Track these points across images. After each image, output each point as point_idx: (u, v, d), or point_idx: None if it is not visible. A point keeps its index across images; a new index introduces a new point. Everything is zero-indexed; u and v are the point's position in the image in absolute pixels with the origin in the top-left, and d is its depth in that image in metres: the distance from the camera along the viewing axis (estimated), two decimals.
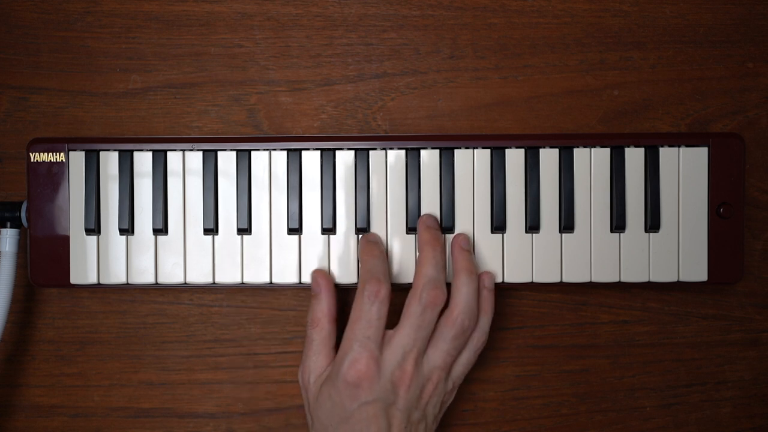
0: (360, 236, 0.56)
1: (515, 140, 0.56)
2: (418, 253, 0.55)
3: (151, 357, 0.60)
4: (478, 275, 0.55)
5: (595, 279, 0.56)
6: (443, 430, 0.60)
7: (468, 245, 0.56)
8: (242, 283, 0.56)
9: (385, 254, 0.55)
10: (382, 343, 0.52)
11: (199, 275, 0.56)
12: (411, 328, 0.52)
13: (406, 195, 0.56)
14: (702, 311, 0.61)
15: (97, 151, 0.56)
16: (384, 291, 0.52)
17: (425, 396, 0.53)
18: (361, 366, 0.51)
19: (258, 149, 0.57)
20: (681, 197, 0.56)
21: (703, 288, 0.61)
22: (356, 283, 0.56)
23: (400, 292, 0.56)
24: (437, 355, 0.53)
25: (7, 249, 0.56)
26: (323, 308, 0.55)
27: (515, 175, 0.56)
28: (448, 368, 0.53)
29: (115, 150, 0.56)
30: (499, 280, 0.56)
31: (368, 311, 0.52)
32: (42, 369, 0.60)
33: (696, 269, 0.56)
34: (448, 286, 0.54)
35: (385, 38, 0.60)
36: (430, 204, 0.56)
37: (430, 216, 0.56)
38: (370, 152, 0.56)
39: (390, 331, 0.53)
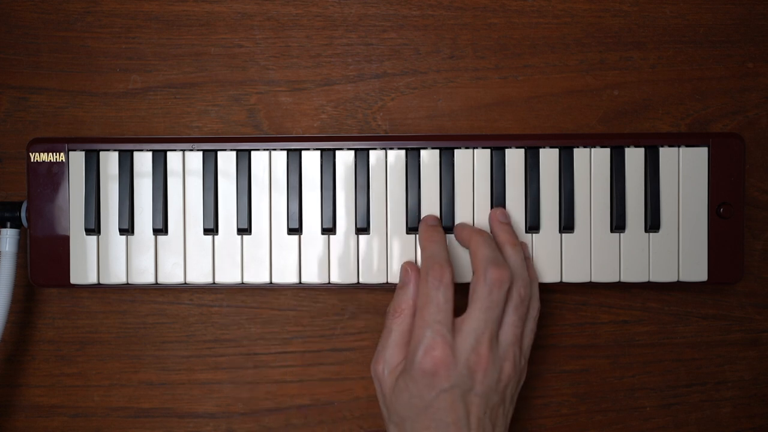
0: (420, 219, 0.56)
1: (515, 140, 0.56)
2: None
3: (151, 357, 0.60)
4: (520, 246, 0.54)
5: (595, 279, 0.56)
6: None
7: (505, 218, 0.55)
8: (242, 283, 0.56)
9: (445, 238, 0.55)
10: (453, 329, 0.51)
11: (199, 275, 0.56)
12: (480, 310, 0.51)
13: (406, 195, 0.56)
14: (702, 311, 0.61)
15: (97, 151, 0.56)
16: (448, 275, 0.51)
17: (504, 378, 0.51)
18: (436, 353, 0.50)
19: (258, 149, 0.57)
20: (681, 197, 0.56)
21: (703, 288, 0.61)
22: (357, 284, 0.56)
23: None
24: (507, 330, 0.52)
25: (7, 249, 0.56)
26: (409, 299, 0.53)
27: (515, 175, 0.56)
28: (519, 342, 0.52)
29: (115, 150, 0.56)
30: None
31: (435, 296, 0.51)
32: (42, 369, 0.60)
33: (696, 269, 0.56)
34: None
35: (385, 38, 0.60)
36: (430, 204, 0.56)
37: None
38: (370, 152, 0.56)
39: (459, 318, 0.51)
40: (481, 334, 0.50)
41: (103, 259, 0.56)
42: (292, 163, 0.56)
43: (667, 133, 0.58)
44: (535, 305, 0.54)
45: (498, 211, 0.56)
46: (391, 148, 0.56)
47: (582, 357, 0.61)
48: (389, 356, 0.53)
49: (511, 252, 0.54)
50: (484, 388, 0.50)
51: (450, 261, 0.52)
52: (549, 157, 0.56)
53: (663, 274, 0.56)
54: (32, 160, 0.56)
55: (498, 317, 0.51)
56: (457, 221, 0.56)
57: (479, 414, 0.50)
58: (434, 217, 0.56)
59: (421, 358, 0.50)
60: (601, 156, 0.56)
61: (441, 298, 0.51)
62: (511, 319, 0.52)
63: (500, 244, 0.54)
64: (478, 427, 0.50)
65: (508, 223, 0.55)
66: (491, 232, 0.55)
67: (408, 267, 0.54)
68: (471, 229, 0.55)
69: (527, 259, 0.55)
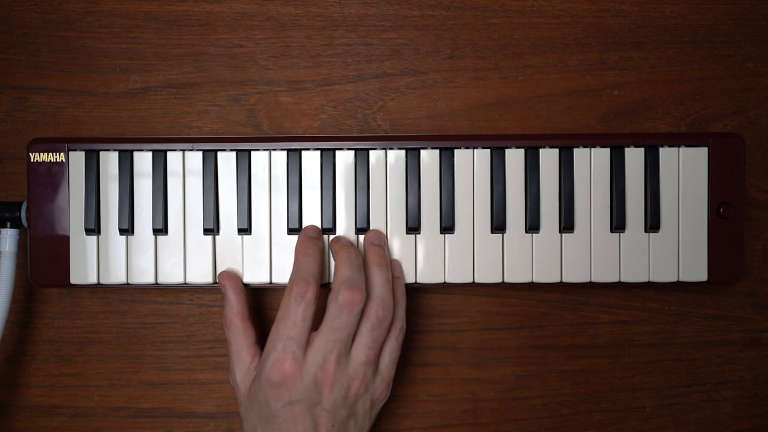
0: (301, 232, 0.56)
1: (515, 140, 0.56)
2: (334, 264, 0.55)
3: (151, 357, 0.60)
4: (389, 267, 0.55)
5: (595, 279, 0.56)
6: (445, 429, 0.60)
7: (379, 240, 0.56)
8: (242, 283, 0.56)
9: (322, 251, 0.55)
10: (306, 345, 0.52)
11: (199, 275, 0.56)
12: (329, 330, 0.52)
13: (406, 195, 0.56)
14: (702, 311, 0.61)
15: (97, 151, 0.56)
16: (311, 292, 0.52)
17: (352, 394, 0.52)
18: (283, 367, 0.51)
19: (258, 149, 0.57)
20: (681, 197, 0.56)
21: (703, 288, 0.61)
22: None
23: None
24: (359, 351, 0.53)
25: (7, 249, 0.56)
26: (232, 308, 0.55)
27: (515, 175, 0.56)
28: (372, 363, 0.53)
29: (115, 150, 0.56)
30: (499, 280, 0.56)
31: (294, 312, 0.52)
32: (42, 369, 0.60)
33: (696, 269, 0.56)
34: None
35: (385, 38, 0.60)
36: (430, 204, 0.56)
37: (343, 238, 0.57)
38: (370, 152, 0.56)
39: (314, 333, 0.53)
40: (329, 353, 0.51)
41: (103, 259, 0.56)
42: (292, 163, 0.56)
43: (667, 133, 0.58)
44: (398, 325, 0.55)
45: (373, 233, 0.56)
46: (391, 148, 0.56)
47: (582, 357, 0.61)
48: (237, 364, 0.55)
49: (376, 273, 0.54)
50: (331, 403, 0.51)
51: (318, 277, 0.53)
52: (549, 157, 0.56)
53: (663, 274, 0.56)
54: (32, 160, 0.56)
55: (347, 337, 0.52)
56: (457, 221, 0.56)
57: (327, 426, 0.51)
58: (314, 228, 0.56)
59: (269, 369, 0.51)
60: (601, 156, 0.56)
61: (299, 314, 0.52)
62: (364, 340, 0.53)
63: (367, 264, 0.54)
64: None
65: (380, 245, 0.55)
66: (365, 253, 0.56)
67: (222, 279, 0.56)
68: (341, 244, 0.55)
69: (396, 278, 0.55)
